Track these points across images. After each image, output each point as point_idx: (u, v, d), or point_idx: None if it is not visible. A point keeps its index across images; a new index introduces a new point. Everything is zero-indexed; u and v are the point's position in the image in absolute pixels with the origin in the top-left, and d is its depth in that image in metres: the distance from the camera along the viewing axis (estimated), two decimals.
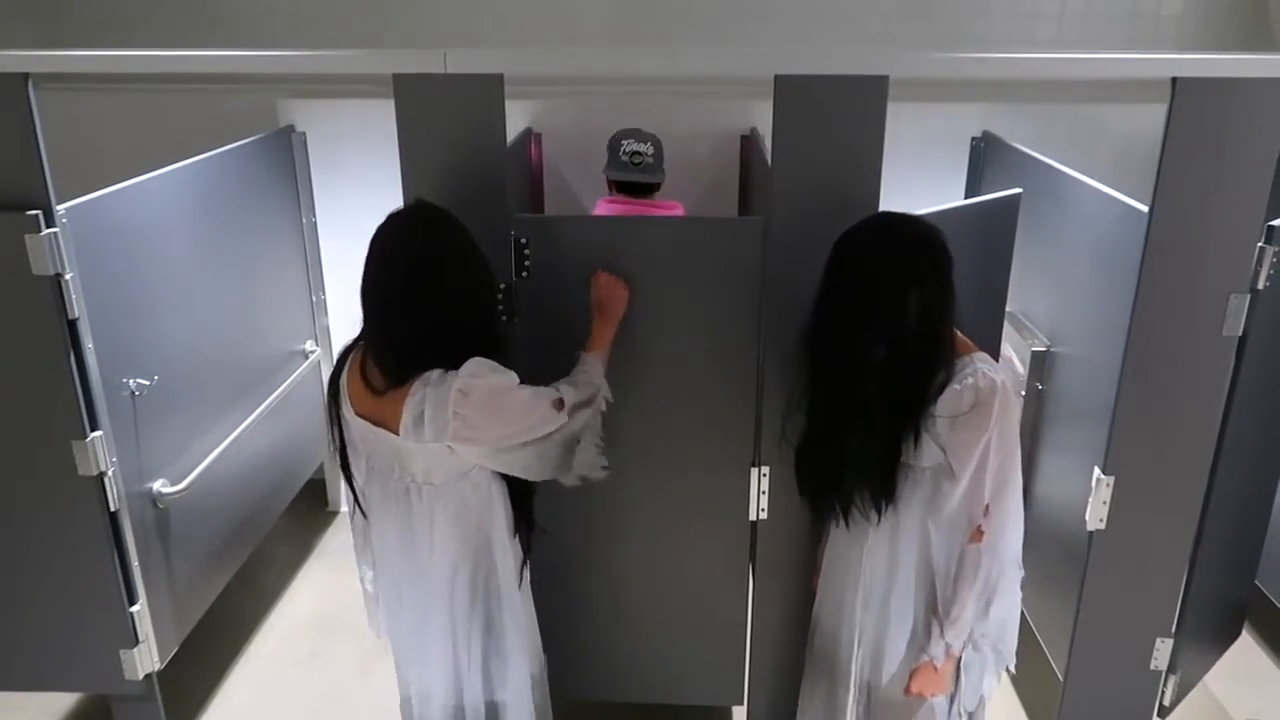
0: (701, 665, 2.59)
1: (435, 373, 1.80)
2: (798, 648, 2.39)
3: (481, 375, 1.81)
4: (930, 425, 1.89)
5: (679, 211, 3.20)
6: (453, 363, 1.81)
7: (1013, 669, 2.17)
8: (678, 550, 2.46)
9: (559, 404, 1.92)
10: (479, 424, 1.82)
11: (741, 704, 2.62)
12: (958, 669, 2.08)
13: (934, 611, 2.02)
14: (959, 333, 1.95)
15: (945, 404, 1.87)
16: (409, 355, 1.82)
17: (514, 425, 1.87)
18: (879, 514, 1.99)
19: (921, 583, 2.03)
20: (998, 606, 2.04)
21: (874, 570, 2.07)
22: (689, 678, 2.60)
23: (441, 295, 1.81)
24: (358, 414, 1.89)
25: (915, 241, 1.84)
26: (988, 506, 1.92)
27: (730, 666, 2.57)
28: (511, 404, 1.86)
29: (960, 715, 2.13)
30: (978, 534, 1.93)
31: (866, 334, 1.85)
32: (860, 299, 1.84)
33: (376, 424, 1.86)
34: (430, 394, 1.78)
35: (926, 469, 1.94)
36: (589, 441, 2.04)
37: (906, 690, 2.07)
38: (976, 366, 1.87)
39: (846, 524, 2.06)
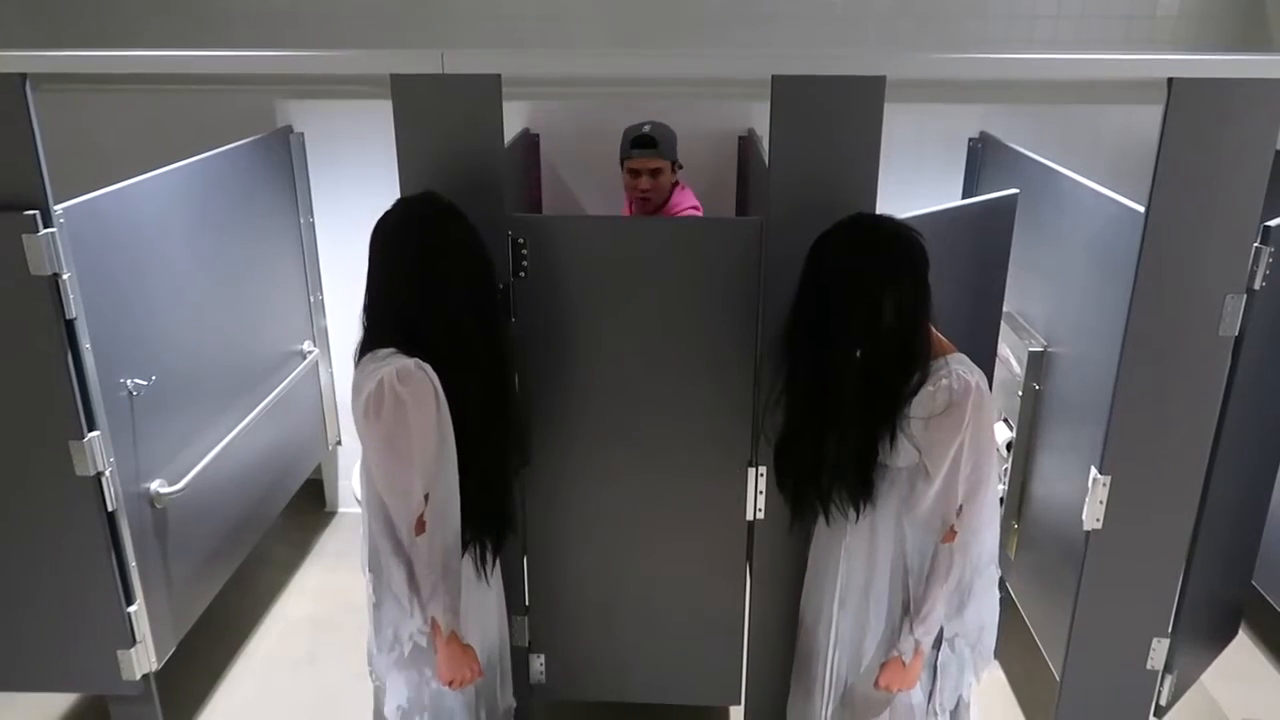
0: (699, 665, 2.59)
1: (387, 350, 1.84)
2: (794, 647, 2.40)
3: (412, 389, 1.80)
4: (906, 425, 1.90)
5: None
6: (415, 350, 1.83)
7: (990, 671, 2.18)
8: (675, 550, 2.46)
9: (419, 525, 1.88)
10: (372, 414, 1.82)
11: (739, 704, 2.62)
12: (934, 668, 2.09)
13: (907, 609, 2.04)
14: (938, 333, 1.96)
15: (920, 404, 1.88)
16: (375, 330, 1.90)
17: (374, 444, 1.86)
18: (857, 513, 2.01)
19: (898, 581, 2.05)
20: (975, 607, 2.06)
21: (852, 568, 2.09)
22: (687, 678, 2.61)
23: (413, 282, 1.86)
24: None
25: (890, 243, 1.85)
26: (961, 507, 1.93)
27: (728, 666, 2.57)
28: (399, 435, 1.82)
29: (938, 713, 2.13)
30: (950, 533, 1.95)
31: (842, 335, 1.86)
32: (835, 300, 1.85)
33: None
34: (369, 365, 1.84)
35: (903, 469, 1.96)
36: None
37: (875, 684, 2.09)
38: (951, 368, 1.88)
39: (827, 521, 2.08)
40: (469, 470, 1.93)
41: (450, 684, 2.01)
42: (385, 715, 2.10)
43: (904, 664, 2.04)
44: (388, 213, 1.92)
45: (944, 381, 1.86)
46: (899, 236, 1.85)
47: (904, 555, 2.02)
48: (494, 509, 2.05)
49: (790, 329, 1.95)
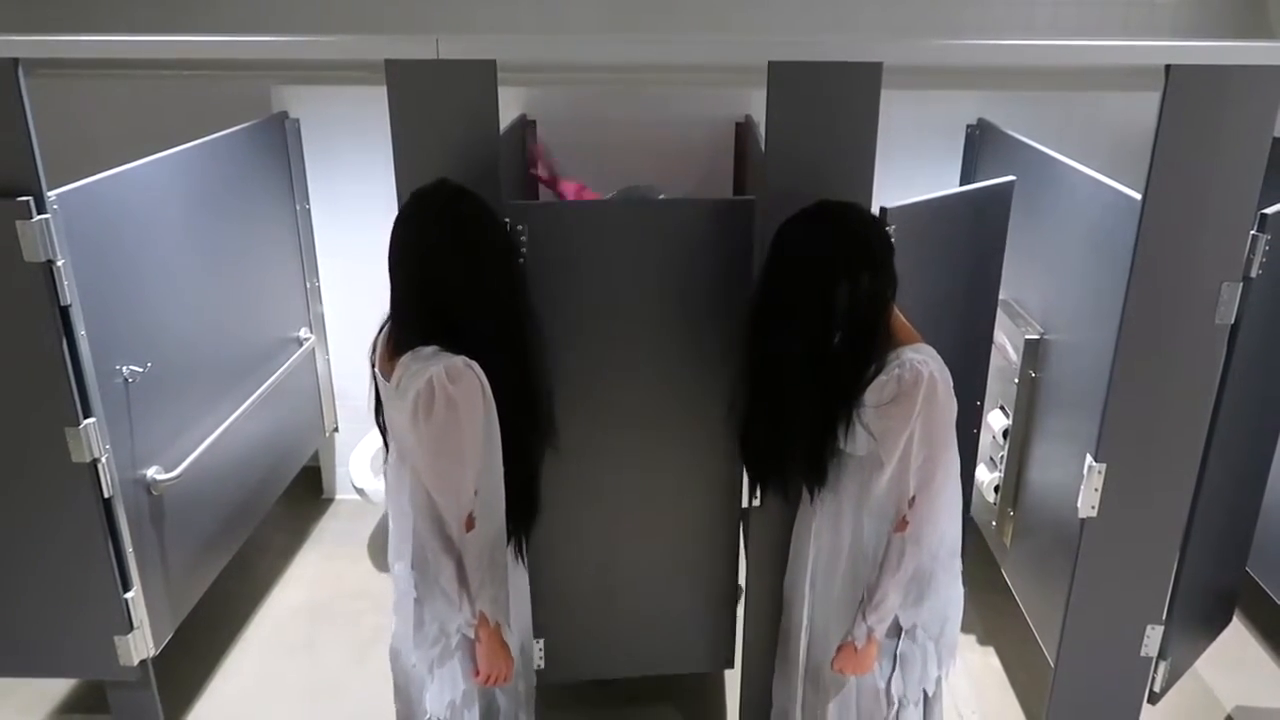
0: (693, 635, 2.63)
1: (430, 348, 1.79)
2: None
3: (463, 388, 1.76)
4: (861, 413, 1.90)
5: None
6: (456, 348, 1.79)
7: (955, 664, 2.18)
8: (670, 524, 2.49)
9: (469, 521, 1.84)
10: (422, 414, 1.77)
11: (733, 668, 2.65)
12: (894, 658, 2.10)
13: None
14: (905, 322, 1.95)
15: (873, 392, 1.87)
16: (410, 327, 1.84)
17: (425, 444, 1.80)
18: (811, 496, 2.05)
19: (859, 567, 2.06)
20: (937, 600, 2.06)
21: (820, 551, 2.11)
22: (679, 648, 2.64)
23: (448, 268, 1.81)
24: (380, 371, 1.91)
25: (850, 233, 1.83)
26: (915, 498, 1.93)
27: (721, 634, 2.62)
28: (451, 434, 1.78)
29: (896, 702, 2.14)
30: (903, 523, 1.95)
31: (799, 323, 1.85)
32: (792, 290, 1.85)
33: (390, 383, 1.87)
34: (413, 364, 1.79)
35: (862, 456, 1.96)
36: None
37: (831, 666, 2.11)
38: (905, 357, 1.85)
39: (787, 501, 2.12)
40: (513, 459, 1.91)
41: (486, 680, 1.99)
42: (430, 710, 2.06)
43: (856, 649, 2.05)
44: (406, 207, 1.87)
45: (896, 371, 1.85)
46: (860, 225, 1.84)
47: (862, 542, 2.03)
48: (530, 495, 2.05)
49: (751, 315, 1.96)
